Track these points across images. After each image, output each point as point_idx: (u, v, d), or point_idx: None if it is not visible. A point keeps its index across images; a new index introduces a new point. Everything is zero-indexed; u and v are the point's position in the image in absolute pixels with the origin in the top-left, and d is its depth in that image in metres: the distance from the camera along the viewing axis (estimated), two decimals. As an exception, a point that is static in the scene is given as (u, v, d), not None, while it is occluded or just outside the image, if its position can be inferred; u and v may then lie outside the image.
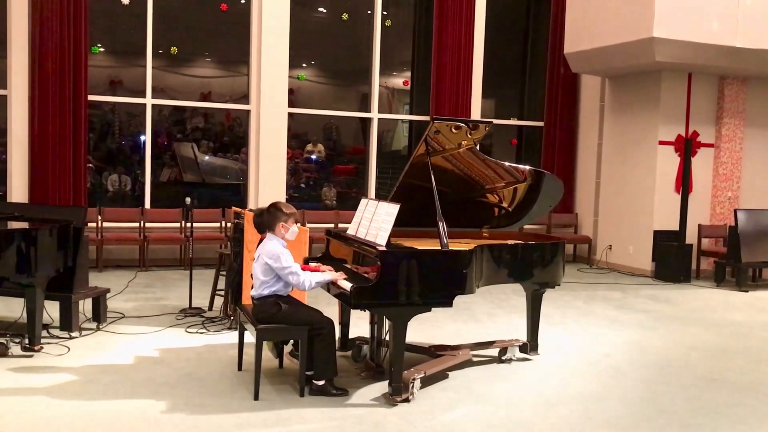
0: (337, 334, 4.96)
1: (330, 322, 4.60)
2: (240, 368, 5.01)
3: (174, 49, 10.50)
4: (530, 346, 5.67)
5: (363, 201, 5.22)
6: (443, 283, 4.53)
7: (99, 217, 9.32)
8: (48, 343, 5.47)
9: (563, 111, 11.67)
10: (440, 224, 4.73)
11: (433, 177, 4.94)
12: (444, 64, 10.85)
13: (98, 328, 6.03)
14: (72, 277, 5.72)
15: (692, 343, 6.45)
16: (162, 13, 9.98)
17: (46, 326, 5.70)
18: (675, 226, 10.03)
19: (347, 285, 4.46)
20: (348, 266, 5.03)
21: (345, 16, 11.37)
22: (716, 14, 9.18)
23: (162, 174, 11.46)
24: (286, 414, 4.23)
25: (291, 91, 10.63)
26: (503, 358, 5.53)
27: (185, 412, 4.21)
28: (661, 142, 10.19)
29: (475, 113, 11.20)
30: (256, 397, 4.45)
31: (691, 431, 4.25)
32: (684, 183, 9.95)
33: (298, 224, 4.90)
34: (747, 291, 9.26)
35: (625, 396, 4.86)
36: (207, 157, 12.17)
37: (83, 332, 5.86)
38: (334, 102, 12.68)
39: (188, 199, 6.87)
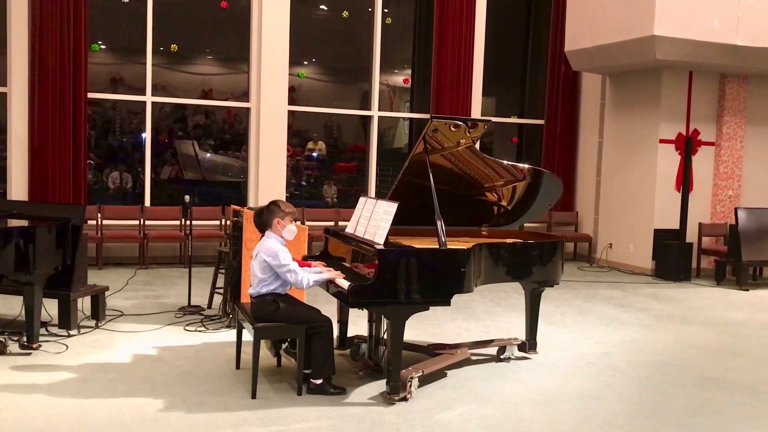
0: (336, 333, 4.97)
1: (328, 320, 4.59)
2: (238, 366, 5.00)
3: (174, 47, 10.49)
4: (529, 344, 5.66)
5: (362, 199, 5.21)
6: (441, 281, 4.52)
7: (99, 215, 9.33)
8: (46, 341, 5.47)
9: (564, 109, 11.66)
10: (438, 223, 4.72)
11: (431, 175, 4.93)
12: (444, 62, 10.83)
13: (97, 326, 6.03)
14: (71, 274, 5.71)
15: (692, 341, 6.44)
16: (162, 11, 9.97)
17: (44, 324, 5.71)
18: (675, 224, 10.02)
19: (345, 283, 4.45)
20: (346, 265, 5.02)
21: (345, 14, 11.35)
22: (717, 12, 9.16)
23: (163, 171, 11.45)
24: (284, 412, 4.23)
25: (292, 89, 10.63)
26: (502, 356, 5.52)
27: (183, 411, 4.21)
28: (662, 141, 10.17)
29: (476, 111, 11.19)
30: (253, 396, 4.45)
31: (689, 430, 4.25)
32: (684, 181, 9.95)
33: (297, 223, 4.90)
34: (747, 290, 9.25)
35: (623, 395, 4.85)
36: (208, 155, 12.16)
37: (82, 330, 5.86)
38: (334, 99, 12.66)
39: (187, 197, 6.86)
